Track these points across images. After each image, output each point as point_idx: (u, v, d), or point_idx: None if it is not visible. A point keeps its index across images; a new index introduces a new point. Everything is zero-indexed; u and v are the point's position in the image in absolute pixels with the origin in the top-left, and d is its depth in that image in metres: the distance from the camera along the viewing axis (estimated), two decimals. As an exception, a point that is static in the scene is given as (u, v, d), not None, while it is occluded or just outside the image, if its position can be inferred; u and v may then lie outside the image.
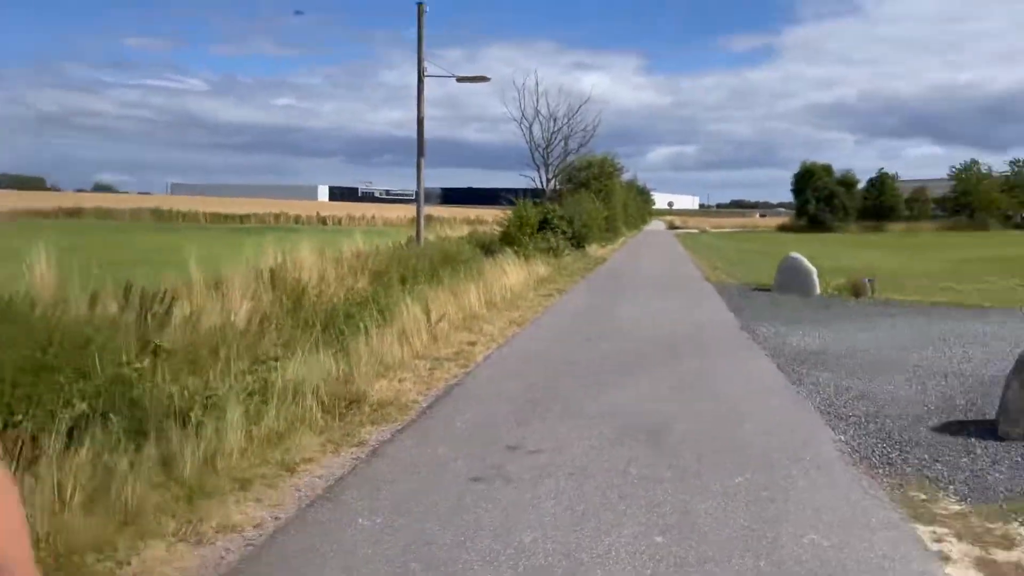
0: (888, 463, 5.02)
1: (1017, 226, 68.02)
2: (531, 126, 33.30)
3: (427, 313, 8.39)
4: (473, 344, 8.50)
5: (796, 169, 72.13)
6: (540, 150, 32.59)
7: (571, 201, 26.44)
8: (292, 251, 8.91)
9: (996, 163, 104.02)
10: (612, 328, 10.63)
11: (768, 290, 16.17)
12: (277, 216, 55.41)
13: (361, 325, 7.11)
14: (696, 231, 72.57)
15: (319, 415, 5.24)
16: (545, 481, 4.41)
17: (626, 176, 56.65)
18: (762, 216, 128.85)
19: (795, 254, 16.15)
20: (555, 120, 32.45)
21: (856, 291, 15.44)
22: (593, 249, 26.90)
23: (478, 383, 6.94)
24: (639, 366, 7.85)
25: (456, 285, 11.17)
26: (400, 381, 6.66)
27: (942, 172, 76.72)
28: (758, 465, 4.79)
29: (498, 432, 5.33)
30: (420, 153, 17.32)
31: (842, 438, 5.53)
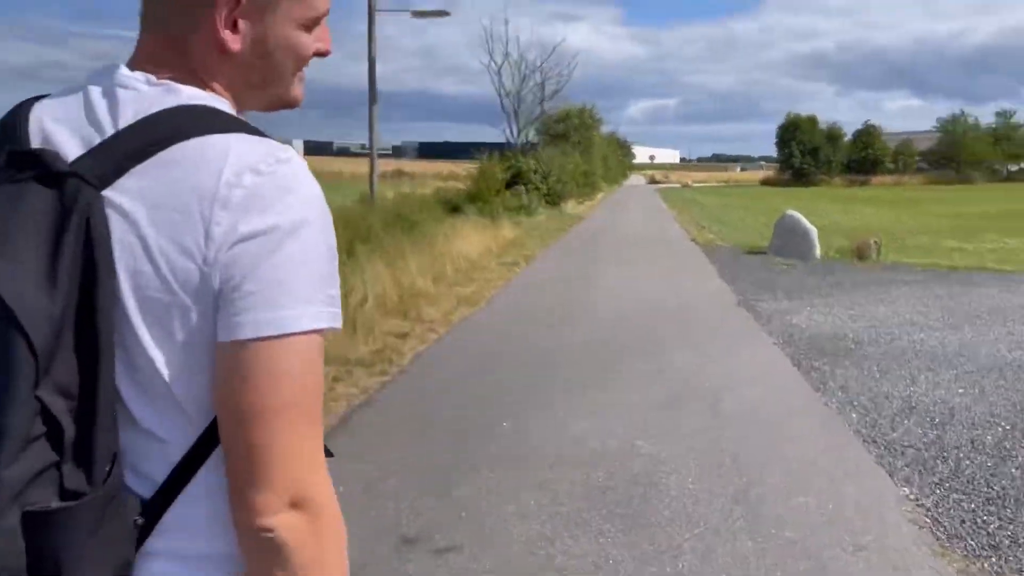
0: (991, 545, 3.31)
1: (1004, 179, 66.85)
2: (499, 71, 31.08)
3: (347, 294, 6.53)
4: (404, 336, 6.66)
5: (776, 122, 70.31)
6: (511, 98, 30.40)
7: (546, 155, 24.44)
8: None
9: (983, 114, 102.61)
10: (583, 308, 8.83)
11: (763, 253, 14.44)
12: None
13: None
14: (678, 186, 70.75)
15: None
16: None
17: (606, 129, 54.52)
18: (743, 170, 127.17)
19: (792, 212, 14.39)
20: (525, 63, 30.23)
21: (860, 254, 13.75)
22: (570, 206, 25.03)
23: (391, 408, 5.10)
24: (612, 370, 6.07)
25: (400, 253, 9.31)
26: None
27: (923, 124, 75.21)
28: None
29: (385, 521, 3.49)
30: (372, 100, 15.26)
31: (910, 494, 3.80)
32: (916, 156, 70.30)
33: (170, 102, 0.78)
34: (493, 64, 31.13)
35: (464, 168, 18.00)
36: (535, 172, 21.12)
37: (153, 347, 0.75)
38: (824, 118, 67.18)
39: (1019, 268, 12.62)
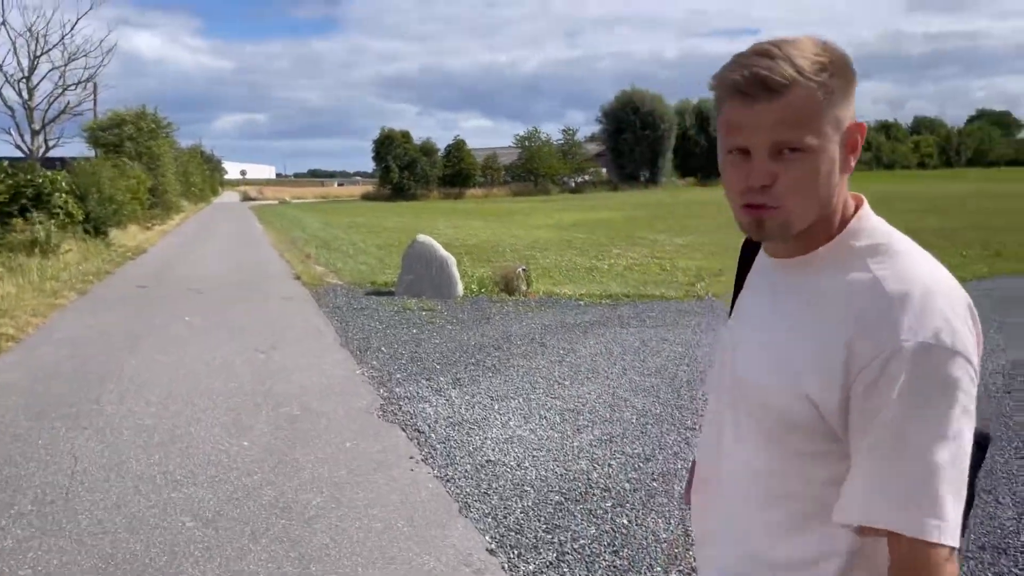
0: None
1: (572, 190, 74.16)
2: None
3: None
4: None
5: (371, 138, 69.31)
6: (14, 83, 22.91)
7: (87, 168, 18.07)
8: None
9: (554, 132, 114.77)
10: (62, 493, 4.23)
11: (390, 292, 10.90)
12: None
13: None
14: (275, 202, 65.39)
15: None
16: None
17: (188, 142, 47.25)
18: (340, 185, 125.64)
19: (424, 237, 11.09)
20: (38, 39, 23.02)
21: (508, 286, 11.00)
22: (129, 234, 18.97)
23: None
24: None
25: None
26: None
27: (496, 141, 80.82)
28: None
29: None
30: None
31: None
32: (502, 170, 74.56)
33: None
34: None
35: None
36: (66, 192, 14.93)
37: None
38: (415, 135, 67.50)
39: (674, 291, 10.89)
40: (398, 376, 6.25)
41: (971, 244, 15.59)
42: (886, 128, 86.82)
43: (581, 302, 10.08)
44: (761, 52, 1.04)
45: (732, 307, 1.40)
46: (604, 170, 75.12)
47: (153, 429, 4.94)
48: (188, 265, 14.68)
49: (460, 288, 10.70)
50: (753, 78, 1.02)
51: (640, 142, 67.73)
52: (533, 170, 72.64)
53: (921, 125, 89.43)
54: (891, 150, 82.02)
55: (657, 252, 16.69)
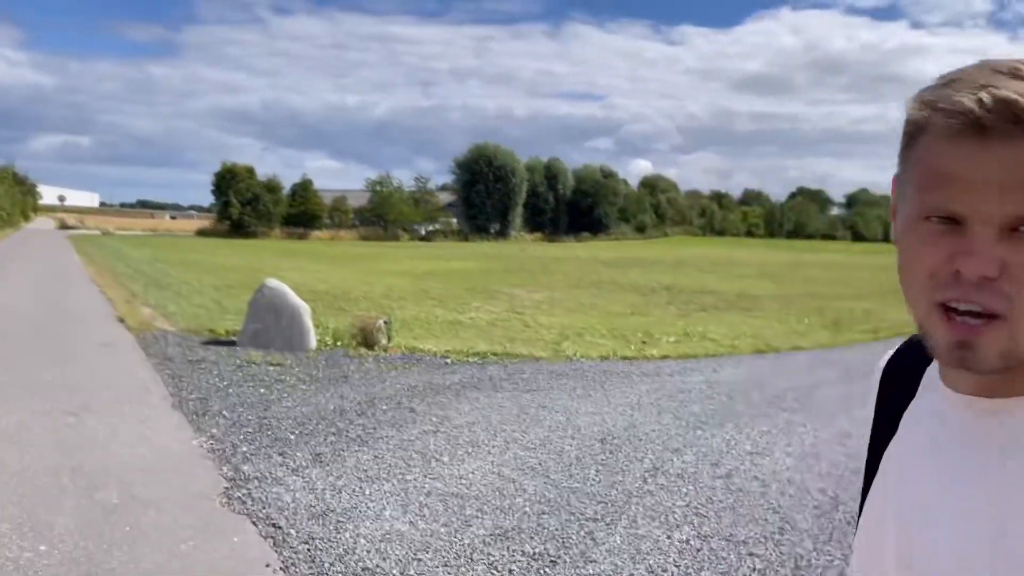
0: None
1: (422, 238, 73.79)
2: None
3: None
4: None
5: (208, 170, 66.16)
6: None
7: None
8: None
9: (404, 177, 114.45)
10: None
11: (232, 343, 9.72)
12: None
13: None
14: (97, 232, 60.12)
15: None
16: None
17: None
18: (172, 218, 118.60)
19: (274, 282, 10.04)
20: None
21: (367, 339, 10.15)
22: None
23: None
24: None
25: None
26: None
27: (341, 184, 79.63)
28: None
29: None
30: None
31: None
32: (351, 213, 72.91)
33: None
34: None
35: None
36: None
37: None
38: (258, 171, 64.81)
39: (545, 353, 10.48)
40: (244, 449, 5.28)
41: (807, 312, 16.43)
42: (719, 197, 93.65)
43: (447, 360, 9.40)
44: (1011, 72, 0.64)
45: (872, 454, 0.88)
46: (455, 220, 75.48)
47: (-92, 527, 3.73)
48: (-15, 300, 12.63)
49: (313, 340, 9.72)
50: (1001, 106, 0.62)
51: (492, 194, 68.64)
52: (383, 215, 71.67)
53: (749, 197, 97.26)
54: (723, 218, 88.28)
55: (516, 307, 16.36)
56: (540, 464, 5.34)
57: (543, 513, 4.39)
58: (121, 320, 11.13)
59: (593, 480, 5.04)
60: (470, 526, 4.14)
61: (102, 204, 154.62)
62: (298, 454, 5.22)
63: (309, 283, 19.88)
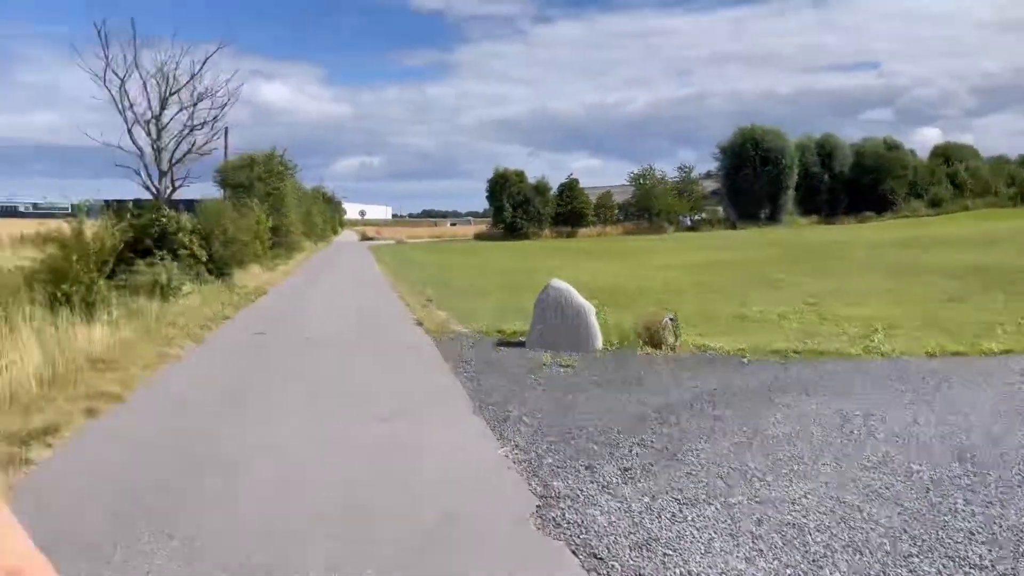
0: None
1: (688, 228, 71.90)
2: (123, 83, 24.13)
3: None
4: None
5: (481, 179, 69.97)
6: (143, 123, 23.62)
7: (210, 207, 18.11)
8: None
9: (668, 169, 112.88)
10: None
11: (521, 344, 9.79)
12: None
13: None
14: (392, 242, 66.50)
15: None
16: None
17: (310, 184, 48.76)
18: (453, 224, 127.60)
19: (558, 282, 9.96)
20: (168, 80, 23.71)
21: (653, 338, 9.68)
22: (253, 274, 18.85)
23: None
24: None
25: None
26: None
27: (605, 181, 79.66)
28: None
29: None
30: None
31: None
32: (616, 209, 73.24)
33: None
34: (112, 74, 24.00)
35: (55, 228, 11.11)
36: (190, 232, 14.76)
37: None
38: (527, 175, 67.45)
39: (855, 350, 9.25)
40: (550, 461, 5.05)
41: None
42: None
43: (743, 359, 8.63)
44: None
45: None
46: (720, 208, 72.55)
47: (248, 558, 3.93)
48: (306, 307, 14.13)
49: (599, 340, 9.47)
50: None
51: (760, 178, 64.87)
52: (648, 208, 70.99)
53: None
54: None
55: (806, 297, 14.93)
56: (886, 488, 4.48)
57: (910, 555, 3.59)
58: (419, 323, 11.78)
59: (963, 512, 4.10)
60: (821, 568, 3.48)
61: (393, 216, 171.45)
62: (606, 468, 4.88)
63: (584, 280, 19.94)
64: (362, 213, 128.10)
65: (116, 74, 23.97)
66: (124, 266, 12.08)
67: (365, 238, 76.00)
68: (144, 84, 23.90)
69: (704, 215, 74.12)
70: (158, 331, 9.77)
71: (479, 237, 68.87)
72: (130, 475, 4.84)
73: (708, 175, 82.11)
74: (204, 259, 14.83)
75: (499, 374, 7.96)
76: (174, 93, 24.16)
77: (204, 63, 25.13)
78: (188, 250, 14.41)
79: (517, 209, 64.77)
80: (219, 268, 15.92)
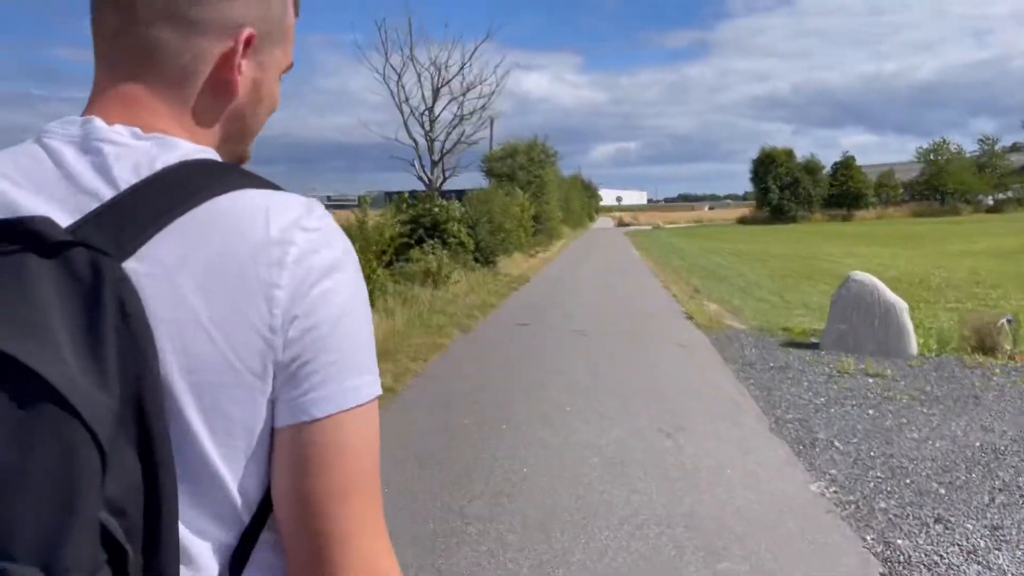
0: None
1: (989, 209, 62.66)
2: (400, 78, 25.68)
3: None
4: None
5: (741, 160, 66.35)
6: (418, 116, 24.91)
7: (478, 195, 18.51)
8: None
9: (966, 142, 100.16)
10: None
11: (813, 345, 8.55)
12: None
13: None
14: (648, 227, 65.36)
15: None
16: None
17: (569, 171, 49.41)
18: (711, 208, 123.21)
19: (861, 275, 8.54)
20: (440, 69, 24.85)
21: (984, 343, 7.95)
22: (514, 262, 19.06)
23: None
24: None
25: None
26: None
27: (882, 157, 71.63)
28: None
29: None
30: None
31: None
32: (900, 188, 65.79)
33: (172, 158, 0.64)
34: (392, 70, 25.64)
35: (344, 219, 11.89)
36: (458, 221, 15.11)
37: (208, 439, 0.61)
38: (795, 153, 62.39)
39: None
40: (884, 506, 4.00)
41: None
42: None
43: (1124, 378, 6.71)
44: None
45: None
46: (1034, 184, 62.64)
47: None
48: (568, 297, 13.82)
49: (915, 345, 7.95)
50: None
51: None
52: (940, 187, 63.00)
53: None
54: None
55: None
56: None
57: None
58: (689, 317, 10.88)
59: None
60: None
61: (649, 200, 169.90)
62: (966, 524, 3.74)
63: (871, 270, 17.61)
64: (618, 199, 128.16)
65: (394, 69, 25.80)
66: (400, 255, 12.56)
67: (621, 224, 75.67)
68: (418, 76, 25.43)
69: (1010, 194, 64.32)
70: (429, 319, 9.90)
71: (741, 221, 65.36)
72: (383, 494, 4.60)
73: (1015, 148, 71.34)
74: (472, 247, 15.13)
75: (792, 382, 6.87)
76: (445, 84, 25.45)
77: (474, 52, 26.19)
78: (456, 238, 14.75)
79: (784, 191, 60.52)
80: (485, 256, 16.19)
